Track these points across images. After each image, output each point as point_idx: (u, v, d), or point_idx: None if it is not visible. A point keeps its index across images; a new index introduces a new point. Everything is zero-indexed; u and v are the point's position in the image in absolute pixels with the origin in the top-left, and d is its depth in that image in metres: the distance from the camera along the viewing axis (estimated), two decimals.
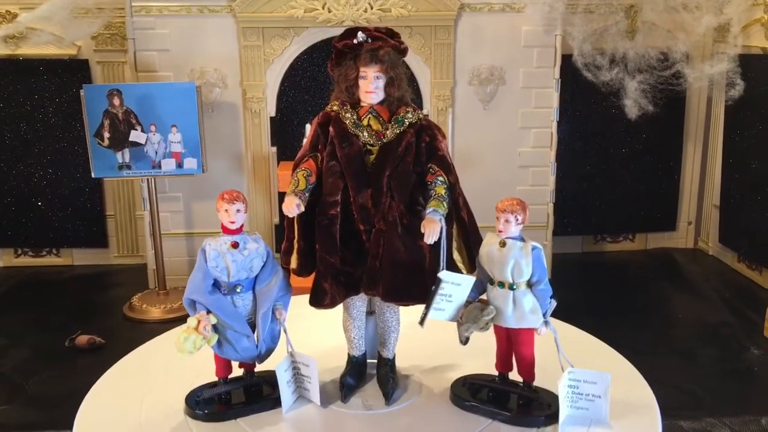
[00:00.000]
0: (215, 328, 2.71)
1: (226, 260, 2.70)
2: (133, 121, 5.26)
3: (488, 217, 6.63)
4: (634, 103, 5.49)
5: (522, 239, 2.71)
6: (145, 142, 5.30)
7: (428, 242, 2.65)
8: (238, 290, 2.74)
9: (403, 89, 2.88)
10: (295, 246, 2.90)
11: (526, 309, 2.69)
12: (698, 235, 6.97)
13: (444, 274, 2.68)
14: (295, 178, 2.80)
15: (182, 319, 5.06)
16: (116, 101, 5.22)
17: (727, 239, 6.49)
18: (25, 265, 6.50)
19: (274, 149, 5.90)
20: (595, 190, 6.58)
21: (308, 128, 4.83)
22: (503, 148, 5.95)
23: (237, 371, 2.95)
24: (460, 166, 5.83)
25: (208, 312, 2.70)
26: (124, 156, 5.31)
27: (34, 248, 6.54)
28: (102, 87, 5.40)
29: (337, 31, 5.77)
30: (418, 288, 2.74)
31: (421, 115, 2.90)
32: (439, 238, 2.66)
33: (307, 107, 5.82)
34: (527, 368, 2.82)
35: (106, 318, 5.47)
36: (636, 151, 6.56)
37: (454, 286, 2.70)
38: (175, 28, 5.62)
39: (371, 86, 2.80)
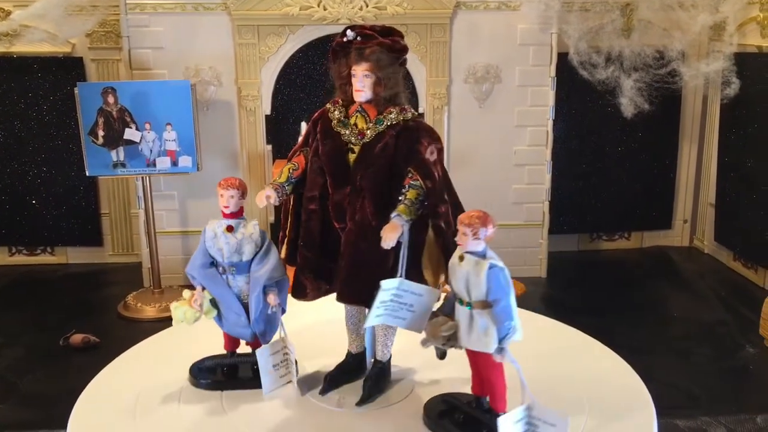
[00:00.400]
0: (213, 302, 2.92)
1: (220, 242, 2.88)
2: (128, 119, 5.24)
3: None
4: (629, 101, 5.49)
5: (483, 256, 2.50)
6: (140, 140, 5.28)
7: (384, 247, 2.59)
8: (232, 271, 2.89)
9: (395, 89, 2.84)
10: (286, 236, 3.00)
11: (479, 330, 2.49)
12: (694, 234, 6.98)
13: (397, 282, 2.62)
14: (281, 171, 2.91)
15: None
16: (111, 99, 5.20)
17: (723, 237, 6.50)
18: (20, 264, 6.48)
19: (270, 147, 5.88)
20: (590, 189, 6.59)
21: (303, 126, 4.84)
22: (499, 146, 5.94)
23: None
24: (456, 164, 5.89)
25: (204, 288, 2.90)
26: (118, 154, 5.29)
27: (29, 247, 6.52)
28: (96, 85, 5.38)
29: (333, 29, 5.77)
30: (367, 291, 2.64)
31: (408, 116, 2.83)
32: (400, 245, 2.63)
33: (303, 105, 5.81)
34: (492, 396, 2.64)
35: (101, 317, 5.45)
36: (632, 150, 6.57)
37: (415, 296, 2.64)
38: (170, 25, 5.60)
39: (359, 84, 2.80)
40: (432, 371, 3.12)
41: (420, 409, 2.85)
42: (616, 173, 6.59)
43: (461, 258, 2.51)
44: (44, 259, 6.54)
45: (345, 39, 2.83)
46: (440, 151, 2.86)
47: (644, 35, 5.79)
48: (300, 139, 3.04)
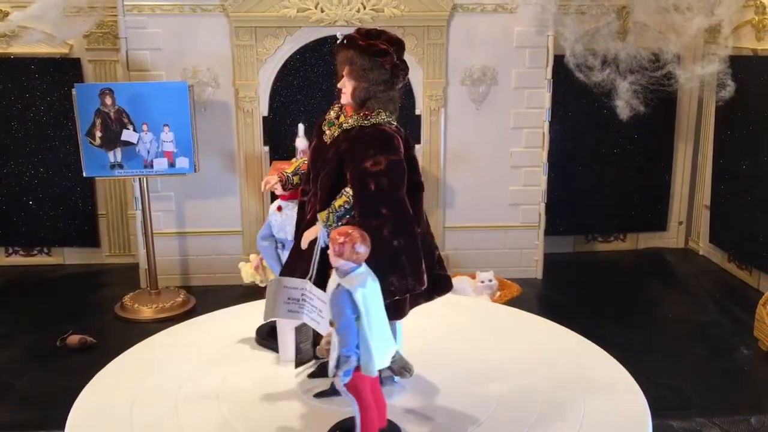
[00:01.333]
0: None
1: (271, 218, 3.50)
2: (125, 121, 5.25)
3: (481, 218, 6.65)
4: (625, 103, 5.51)
5: (342, 274, 2.48)
6: (137, 142, 5.29)
7: (302, 246, 2.88)
8: (280, 247, 3.53)
9: (368, 93, 2.82)
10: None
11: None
12: (689, 235, 7.01)
13: (302, 284, 2.76)
14: (292, 164, 3.22)
15: (174, 319, 5.09)
16: (108, 100, 5.20)
17: (718, 239, 6.53)
18: (16, 264, 6.48)
19: (267, 149, 5.89)
20: (586, 191, 6.60)
21: (301, 128, 4.85)
22: (495, 148, 5.96)
23: None
24: (452, 165, 5.92)
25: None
26: (115, 155, 5.30)
27: (25, 247, 6.52)
28: (93, 86, 5.38)
29: (330, 31, 5.78)
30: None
31: (366, 122, 2.82)
32: (315, 246, 2.77)
33: (300, 107, 5.82)
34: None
35: (98, 317, 5.45)
36: (627, 152, 6.59)
37: (322, 303, 2.68)
38: (168, 27, 5.60)
39: (341, 86, 2.87)
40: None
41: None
42: (612, 175, 6.61)
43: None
44: (41, 259, 6.54)
45: (337, 42, 2.89)
46: (392, 163, 2.73)
47: (640, 38, 5.80)
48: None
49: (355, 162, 2.73)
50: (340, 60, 2.85)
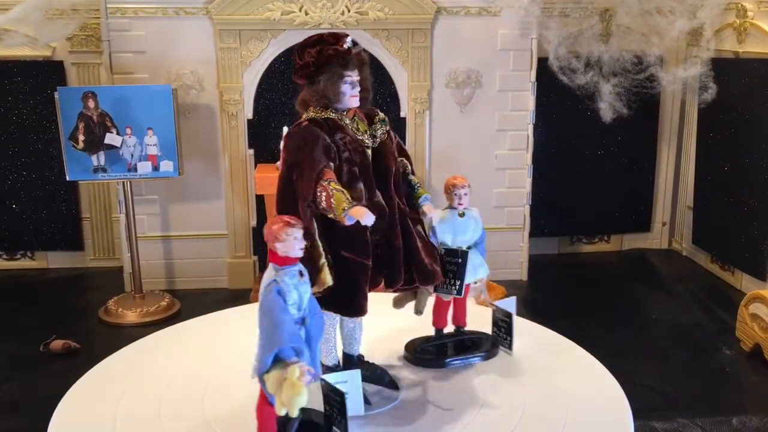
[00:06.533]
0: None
1: (300, 292, 2.49)
2: (109, 124, 5.23)
3: None
4: (608, 106, 5.54)
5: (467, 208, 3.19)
6: (121, 145, 5.27)
7: (435, 225, 3.06)
8: (305, 322, 2.52)
9: (371, 92, 3.02)
10: (326, 262, 2.73)
11: (477, 264, 3.19)
12: (672, 236, 7.06)
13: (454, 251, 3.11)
14: (336, 190, 2.63)
15: (158, 323, 5.07)
16: (91, 104, 5.18)
17: (701, 240, 6.58)
18: None
19: (252, 151, 5.89)
20: (571, 192, 6.64)
21: (285, 130, 4.83)
22: (480, 150, 5.99)
23: None
24: (437, 168, 5.93)
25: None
26: (99, 159, 5.28)
27: (8, 251, 6.48)
28: (77, 89, 5.36)
29: (313, 34, 5.74)
30: (439, 267, 3.02)
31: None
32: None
33: (285, 109, 5.81)
34: (464, 315, 3.36)
35: (82, 322, 5.42)
36: (611, 153, 6.64)
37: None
38: (151, 29, 5.59)
39: (356, 90, 2.86)
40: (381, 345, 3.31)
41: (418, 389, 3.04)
42: (596, 177, 6.65)
43: (461, 215, 3.16)
44: (24, 263, 6.50)
45: (345, 47, 2.84)
46: None
47: (623, 41, 5.85)
48: (310, 151, 2.75)
49: (403, 147, 3.13)
50: (357, 64, 2.84)
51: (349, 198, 2.62)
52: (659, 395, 4.34)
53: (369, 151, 2.88)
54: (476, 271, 3.20)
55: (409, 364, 3.23)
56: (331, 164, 2.75)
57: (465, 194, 3.15)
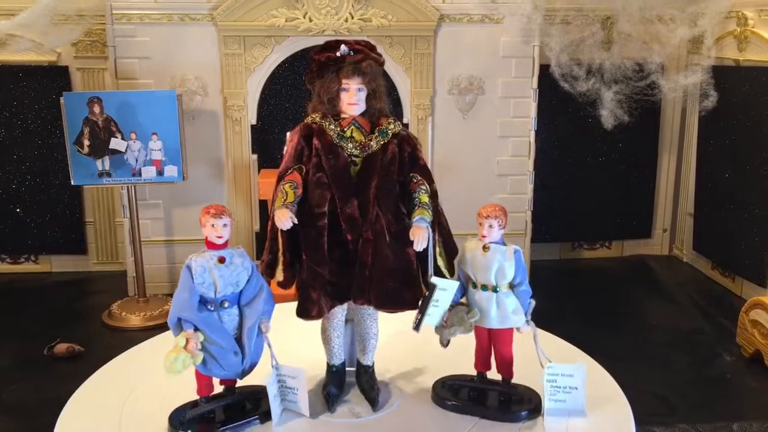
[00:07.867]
0: (201, 346, 2.65)
1: (214, 275, 2.65)
2: (113, 129, 5.26)
3: (468, 225, 6.67)
4: (610, 113, 5.57)
5: (503, 243, 2.82)
6: (125, 150, 5.30)
7: (417, 249, 2.71)
8: (225, 306, 2.68)
9: (384, 101, 2.94)
10: (281, 259, 2.87)
11: (509, 310, 2.82)
12: (673, 243, 7.08)
13: (435, 280, 2.74)
14: (283, 191, 2.78)
15: (161, 327, 5.09)
16: (96, 109, 5.21)
17: (701, 247, 6.60)
18: (3, 272, 6.46)
19: (255, 157, 5.92)
20: (572, 198, 6.67)
21: (288, 136, 4.87)
22: (482, 156, 6.02)
23: (218, 388, 2.91)
24: (440, 174, 5.93)
25: (195, 329, 2.63)
26: (104, 163, 5.31)
27: (12, 255, 6.51)
28: (82, 95, 5.39)
29: (318, 41, 5.81)
30: (410, 294, 2.82)
31: (400, 126, 2.94)
32: (427, 245, 2.73)
33: (288, 115, 5.85)
34: (507, 366, 2.94)
35: (86, 326, 5.45)
36: (612, 160, 6.66)
37: (442, 291, 2.76)
38: (156, 35, 5.63)
39: (354, 98, 2.84)
40: (405, 365, 3.28)
41: (427, 399, 3.00)
42: (597, 183, 6.68)
43: (486, 248, 2.80)
44: (28, 267, 6.53)
45: (338, 54, 2.86)
46: None
47: (624, 48, 5.87)
48: (287, 154, 2.96)
49: (416, 160, 2.93)
50: (352, 72, 2.81)
51: (289, 200, 2.73)
52: (660, 401, 4.36)
53: (357, 160, 2.85)
54: (506, 319, 2.82)
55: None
56: (303, 167, 2.87)
57: (491, 226, 2.78)
